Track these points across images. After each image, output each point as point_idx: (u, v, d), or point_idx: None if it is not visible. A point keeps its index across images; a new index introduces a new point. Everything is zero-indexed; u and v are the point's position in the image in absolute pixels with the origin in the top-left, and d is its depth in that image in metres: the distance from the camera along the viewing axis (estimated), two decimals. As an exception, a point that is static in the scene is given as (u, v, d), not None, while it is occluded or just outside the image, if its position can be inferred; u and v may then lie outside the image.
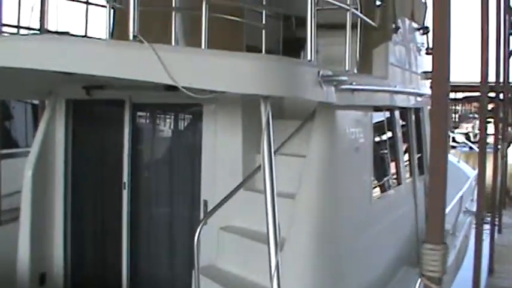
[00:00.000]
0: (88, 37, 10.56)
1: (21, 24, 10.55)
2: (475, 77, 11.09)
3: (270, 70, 3.54)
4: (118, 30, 6.39)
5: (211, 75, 3.48)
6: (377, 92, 6.16)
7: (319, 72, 4.06)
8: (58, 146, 6.63)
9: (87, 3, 8.94)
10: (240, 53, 3.90)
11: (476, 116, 47.26)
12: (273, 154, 3.49)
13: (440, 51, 4.86)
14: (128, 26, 3.66)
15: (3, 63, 4.03)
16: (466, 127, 45.93)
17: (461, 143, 29.39)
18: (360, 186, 5.81)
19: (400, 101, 7.24)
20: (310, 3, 4.12)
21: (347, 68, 5.39)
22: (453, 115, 51.71)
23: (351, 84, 4.96)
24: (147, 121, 6.54)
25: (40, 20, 9.40)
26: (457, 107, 56.48)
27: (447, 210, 4.51)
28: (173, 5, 5.13)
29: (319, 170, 4.86)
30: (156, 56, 3.40)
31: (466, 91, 45.51)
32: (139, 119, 6.40)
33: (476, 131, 41.62)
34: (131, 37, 3.64)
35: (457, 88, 42.04)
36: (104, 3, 9.86)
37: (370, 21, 6.22)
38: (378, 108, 6.39)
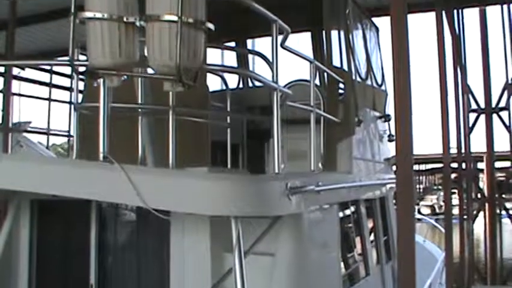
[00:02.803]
0: (51, 130, 10.67)
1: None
2: (438, 149, 11.43)
3: (238, 191, 3.60)
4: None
5: (180, 197, 3.52)
6: (342, 188, 6.25)
7: (287, 184, 4.13)
8: (22, 247, 6.49)
9: (50, 99, 9.01)
10: (210, 174, 3.95)
11: (440, 187, 47.99)
12: (244, 270, 3.53)
13: (403, 136, 5.06)
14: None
15: None
16: (430, 199, 46.44)
17: (426, 215, 29.68)
18: (329, 282, 5.81)
19: (365, 194, 7.34)
20: (275, 114, 4.23)
21: (312, 167, 5.48)
22: (418, 186, 52.38)
23: (317, 185, 5.04)
24: (114, 222, 6.46)
25: (3, 115, 9.47)
26: (421, 178, 57.26)
27: None
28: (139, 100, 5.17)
29: (288, 267, 4.87)
30: (126, 178, 3.43)
31: (429, 163, 46.29)
32: (106, 220, 6.33)
33: (441, 203, 42.19)
34: (101, 157, 3.67)
35: (420, 160, 42.80)
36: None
37: (334, 118, 6.36)
38: (343, 203, 6.47)
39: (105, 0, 3.59)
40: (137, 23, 3.62)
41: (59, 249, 6.53)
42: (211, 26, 3.68)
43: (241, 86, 9.44)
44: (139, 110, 5.12)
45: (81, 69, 4.01)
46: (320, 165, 6.20)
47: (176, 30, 3.45)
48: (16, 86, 10.41)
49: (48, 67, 10.56)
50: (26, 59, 16.05)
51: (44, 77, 11.05)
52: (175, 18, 3.45)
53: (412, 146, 5.22)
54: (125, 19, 3.58)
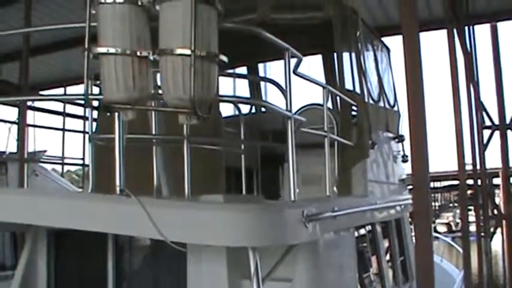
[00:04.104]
0: (65, 158, 10.75)
1: None
2: (452, 166, 11.40)
3: (255, 222, 3.61)
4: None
5: (198, 230, 3.53)
6: (358, 212, 6.23)
7: (303, 212, 4.13)
8: (40, 278, 6.51)
9: (64, 129, 9.09)
10: (226, 205, 3.94)
11: (456, 205, 47.61)
12: None
13: (419, 160, 5.04)
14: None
15: None
16: (446, 216, 46.08)
17: (443, 233, 29.47)
18: None
19: (381, 216, 7.32)
20: (290, 142, 4.23)
21: (327, 193, 5.47)
22: (433, 204, 52.06)
23: (333, 210, 5.03)
24: (131, 253, 6.47)
25: (19, 143, 9.56)
26: (436, 196, 56.93)
27: None
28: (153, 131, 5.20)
29: None
30: (143, 211, 3.45)
31: (444, 180, 46.03)
32: (123, 250, 6.34)
33: (458, 220, 41.85)
34: (118, 191, 3.70)
35: (435, 177, 42.56)
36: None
37: (347, 142, 6.36)
38: (359, 226, 6.46)
39: (119, 35, 3.63)
40: (150, 57, 3.64)
41: (76, 279, 6.54)
42: (224, 58, 3.70)
43: (253, 110, 9.46)
44: (153, 140, 5.16)
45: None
46: (335, 189, 6.19)
47: (189, 63, 3.47)
48: (30, 114, 10.53)
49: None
50: (39, 86, 16.28)
51: (57, 105, 11.19)
52: (188, 51, 3.47)
53: (428, 167, 5.21)
54: (138, 53, 3.61)
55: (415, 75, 5.29)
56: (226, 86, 9.21)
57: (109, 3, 3.67)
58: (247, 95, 10.02)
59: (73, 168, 25.68)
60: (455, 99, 10.60)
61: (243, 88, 10.05)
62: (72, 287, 6.55)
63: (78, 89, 17.30)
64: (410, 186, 9.82)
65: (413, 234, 9.69)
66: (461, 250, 12.88)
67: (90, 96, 3.88)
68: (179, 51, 3.52)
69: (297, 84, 4.97)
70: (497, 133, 15.26)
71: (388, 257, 7.84)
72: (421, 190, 4.90)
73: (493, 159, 16.01)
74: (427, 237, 4.81)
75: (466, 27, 13.45)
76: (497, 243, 15.97)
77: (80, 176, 18.72)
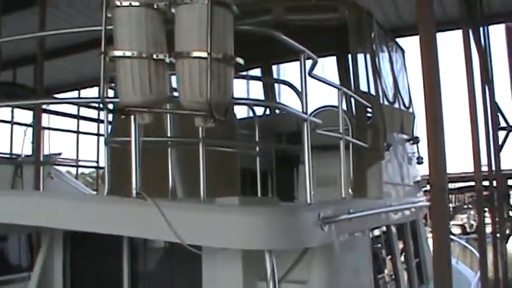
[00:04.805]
0: (79, 161, 10.81)
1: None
2: (466, 167, 11.32)
3: (272, 225, 3.60)
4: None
5: (214, 233, 3.53)
6: (373, 214, 6.22)
7: (319, 215, 4.12)
8: (56, 279, 6.54)
9: (78, 132, 9.13)
10: (242, 208, 3.94)
11: (470, 206, 47.28)
12: None
13: (437, 161, 5.01)
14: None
15: (4, 220, 4.09)
16: (461, 218, 45.76)
17: (458, 235, 29.29)
18: None
19: (396, 218, 7.29)
20: (306, 145, 4.22)
21: (343, 195, 5.46)
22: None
23: (348, 213, 5.02)
24: (146, 255, 6.48)
25: (34, 146, 9.61)
26: (451, 197, 56.60)
27: None
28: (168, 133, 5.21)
29: None
30: (160, 214, 3.45)
31: (458, 181, 45.75)
32: (138, 252, 6.35)
33: (472, 222, 41.59)
34: (134, 194, 3.70)
35: (451, 179, 42.18)
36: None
37: (363, 144, 6.34)
38: (375, 228, 6.44)
39: (135, 38, 3.63)
40: (167, 60, 3.64)
41: (91, 282, 6.57)
42: (240, 60, 3.70)
43: (267, 112, 9.45)
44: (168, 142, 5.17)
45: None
46: (350, 191, 6.18)
47: (206, 66, 3.47)
48: (44, 117, 10.57)
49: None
50: (53, 89, 16.38)
51: (71, 108, 11.24)
52: (204, 54, 3.47)
53: (446, 168, 5.17)
54: (154, 56, 3.61)
55: (432, 76, 5.25)
56: (240, 87, 9.23)
57: (125, 7, 3.67)
58: (261, 96, 10.02)
59: (87, 170, 25.87)
60: (471, 100, 10.51)
61: (256, 90, 10.06)
62: None
63: (92, 92, 17.41)
64: (425, 188, 9.80)
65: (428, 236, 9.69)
66: (476, 252, 12.80)
67: (107, 100, 3.89)
68: (195, 54, 3.51)
69: (311, 86, 4.97)
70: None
71: (403, 259, 7.81)
72: (439, 191, 4.86)
73: (508, 160, 15.92)
74: (445, 239, 4.78)
75: (481, 28, 13.37)
76: (512, 246, 15.86)
77: (94, 178, 18.78)
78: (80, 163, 11.37)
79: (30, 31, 8.93)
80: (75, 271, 6.59)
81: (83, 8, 11.49)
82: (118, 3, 3.66)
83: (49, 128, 10.58)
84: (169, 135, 4.86)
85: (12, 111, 10.58)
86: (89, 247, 6.62)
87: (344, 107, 6.18)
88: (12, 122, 10.57)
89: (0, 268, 9.68)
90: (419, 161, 9.25)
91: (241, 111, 8.45)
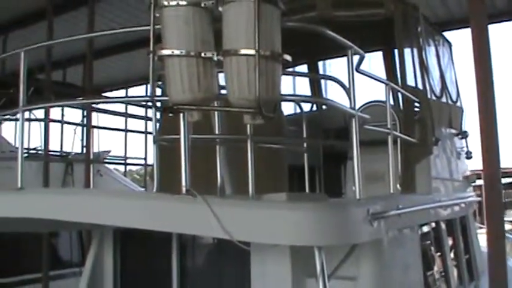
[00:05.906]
0: (128, 158, 10.98)
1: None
2: None
3: (321, 220, 3.60)
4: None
5: (263, 229, 3.55)
6: (422, 210, 6.15)
7: (368, 210, 4.11)
8: (106, 275, 6.66)
9: (126, 130, 9.26)
10: (291, 204, 3.94)
11: (522, 202, 46.06)
12: None
13: (490, 156, 4.92)
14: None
15: (57, 217, 4.18)
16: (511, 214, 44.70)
17: (509, 231, 28.61)
18: None
19: (446, 213, 7.20)
20: (354, 141, 4.21)
21: (391, 190, 5.42)
22: (497, 201, 50.64)
23: (397, 208, 4.99)
24: (195, 251, 6.54)
25: (83, 144, 9.80)
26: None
27: None
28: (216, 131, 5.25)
29: None
30: (209, 210, 3.49)
31: (508, 176, 44.71)
32: (187, 249, 6.42)
33: (524, 218, 40.52)
34: (184, 191, 3.75)
35: (504, 174, 41.19)
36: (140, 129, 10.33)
37: (411, 139, 6.28)
38: (424, 224, 6.37)
39: (183, 37, 3.67)
40: (214, 58, 3.68)
41: (141, 277, 6.66)
42: (288, 57, 3.71)
43: (314, 108, 9.43)
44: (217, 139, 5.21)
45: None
46: (398, 186, 6.13)
47: (254, 63, 3.49)
48: (94, 116, 10.78)
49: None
50: (101, 88, 16.66)
51: (118, 106, 11.44)
52: (252, 52, 3.49)
53: (500, 162, 5.07)
54: (202, 54, 3.64)
55: (485, 70, 5.17)
56: (286, 84, 9.21)
57: (172, 6, 3.72)
58: (307, 92, 10.00)
59: (134, 167, 26.23)
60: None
61: (303, 86, 10.04)
62: (137, 284, 6.68)
63: (138, 90, 17.64)
64: (474, 183, 9.64)
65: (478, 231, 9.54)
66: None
67: (157, 98, 3.94)
68: (243, 51, 3.54)
69: (358, 81, 4.95)
70: None
71: (452, 256, 7.71)
72: (493, 185, 4.79)
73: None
74: (500, 233, 4.70)
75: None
76: None
77: (141, 176, 19.04)
78: (128, 161, 11.55)
79: (79, 32, 9.12)
80: (125, 267, 6.70)
81: (131, 8, 11.67)
82: (166, 2, 3.71)
83: (98, 127, 10.79)
84: (217, 132, 4.90)
85: (63, 111, 10.84)
86: (138, 244, 6.73)
87: (391, 102, 6.14)
88: (62, 121, 10.81)
89: (53, 263, 9.91)
90: (468, 155, 9.11)
91: (288, 108, 8.45)
